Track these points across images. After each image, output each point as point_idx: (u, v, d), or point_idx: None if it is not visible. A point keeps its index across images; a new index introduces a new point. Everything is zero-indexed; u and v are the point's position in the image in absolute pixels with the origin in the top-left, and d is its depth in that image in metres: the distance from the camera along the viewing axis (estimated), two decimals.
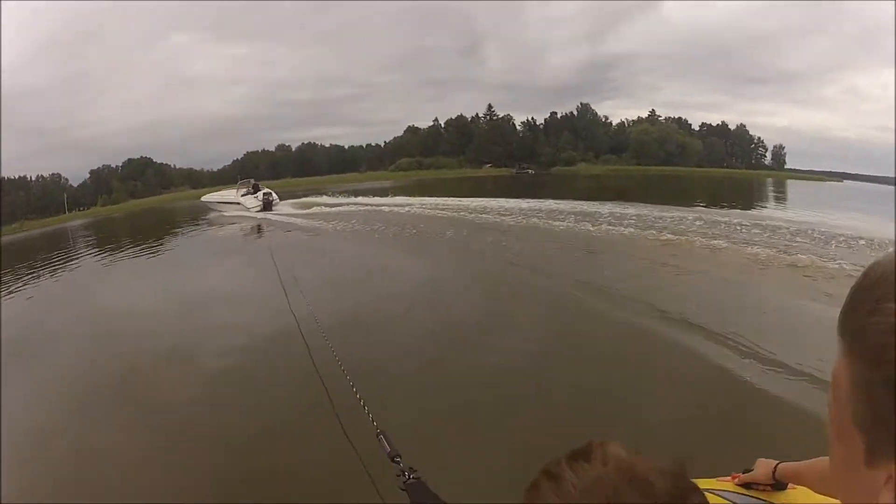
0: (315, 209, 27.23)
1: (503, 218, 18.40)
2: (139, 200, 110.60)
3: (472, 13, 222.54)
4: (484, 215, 19.00)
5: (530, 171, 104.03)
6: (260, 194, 31.42)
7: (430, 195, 29.21)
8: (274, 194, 31.97)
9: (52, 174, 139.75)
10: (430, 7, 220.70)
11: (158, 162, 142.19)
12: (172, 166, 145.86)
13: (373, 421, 1.92)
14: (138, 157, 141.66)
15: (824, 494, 1.11)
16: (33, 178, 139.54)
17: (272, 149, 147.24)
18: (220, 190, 39.17)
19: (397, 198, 28.84)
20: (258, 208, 29.66)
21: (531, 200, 22.30)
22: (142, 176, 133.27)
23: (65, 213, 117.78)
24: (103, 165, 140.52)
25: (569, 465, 0.53)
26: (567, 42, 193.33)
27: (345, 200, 32.20)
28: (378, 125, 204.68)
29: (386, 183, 73.97)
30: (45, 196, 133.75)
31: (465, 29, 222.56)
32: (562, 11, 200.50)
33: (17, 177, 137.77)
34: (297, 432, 4.91)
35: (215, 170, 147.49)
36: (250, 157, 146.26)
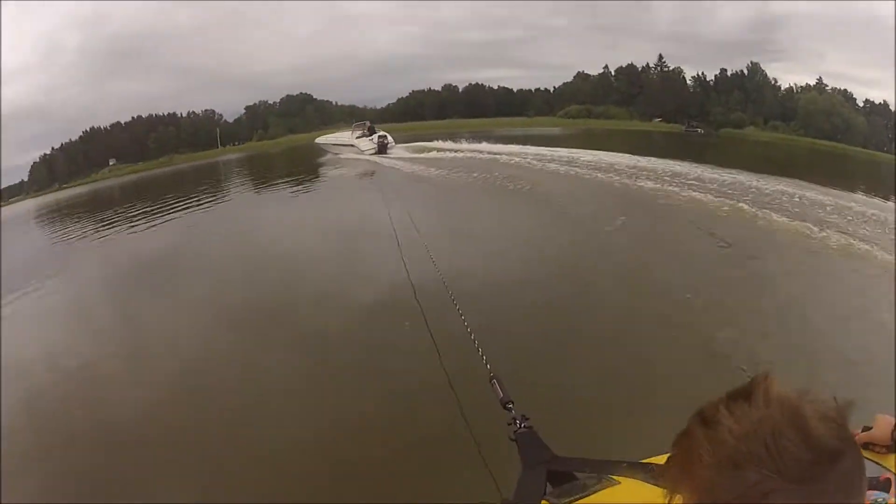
0: (430, 154, 26.73)
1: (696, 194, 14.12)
2: (297, 136, 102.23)
3: None
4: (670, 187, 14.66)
5: (700, 130, 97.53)
6: (375, 137, 31.29)
7: (597, 147, 24.06)
8: (389, 137, 31.74)
9: (206, 110, 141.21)
10: None
11: (319, 99, 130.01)
12: (334, 103, 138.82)
13: (487, 364, 1.89)
14: (297, 93, 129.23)
15: None
16: (184, 115, 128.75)
17: (439, 88, 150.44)
18: (335, 133, 38.54)
19: (557, 150, 23.31)
20: (372, 151, 29.70)
21: (713, 169, 18.24)
22: (301, 112, 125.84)
23: (217, 147, 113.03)
24: (260, 101, 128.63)
25: (727, 408, 0.50)
26: None
27: (468, 147, 29.07)
28: (547, 69, 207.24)
29: (555, 130, 67.37)
30: (196, 132, 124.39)
31: None
32: None
33: (165, 114, 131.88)
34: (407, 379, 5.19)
35: (378, 108, 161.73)
36: (415, 95, 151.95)
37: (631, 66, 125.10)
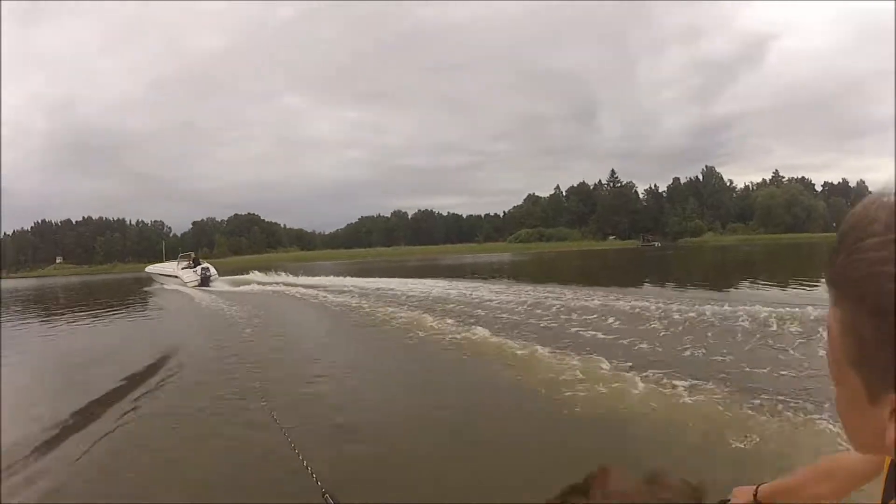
0: (247, 287, 28.16)
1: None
2: (241, 257, 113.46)
3: (585, 78, 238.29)
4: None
5: (656, 243, 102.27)
6: (199, 269, 33.92)
7: (555, 281, 21.21)
8: (212, 269, 34.48)
9: (155, 221, 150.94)
10: (544, 73, 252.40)
11: (267, 220, 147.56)
12: (282, 226, 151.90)
13: (317, 481, 1.90)
14: (245, 213, 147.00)
15: (817, 501, 1.16)
16: (133, 223, 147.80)
17: (388, 214, 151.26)
18: (163, 263, 42.11)
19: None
20: (195, 283, 31.96)
21: (692, 293, 16.14)
22: (248, 232, 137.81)
23: (162, 261, 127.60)
24: (208, 218, 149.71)
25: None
26: (677, 103, 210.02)
27: (284, 280, 31.50)
28: (495, 195, 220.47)
29: (505, 256, 72.56)
30: (142, 241, 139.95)
31: (579, 95, 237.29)
32: (670, 70, 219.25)
33: (114, 218, 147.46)
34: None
35: (326, 233, 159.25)
36: (364, 222, 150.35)
37: (583, 185, 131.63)
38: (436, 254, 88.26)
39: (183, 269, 34.81)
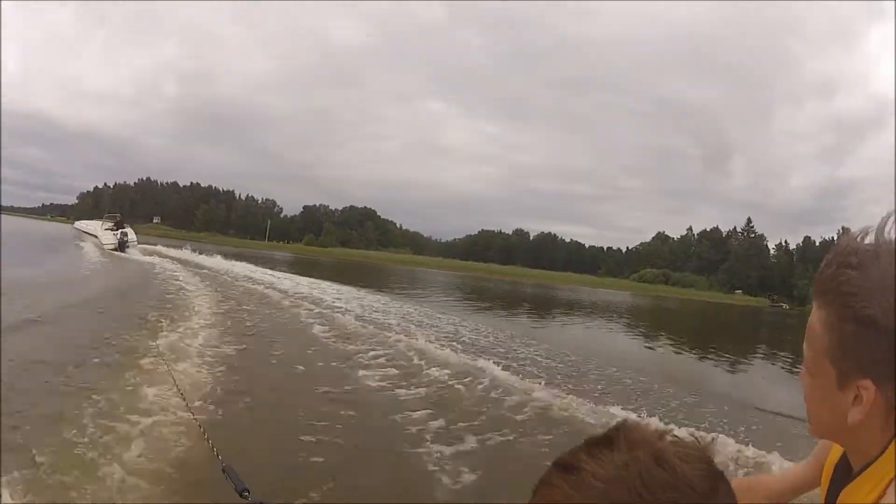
0: (153, 258, 29.11)
1: None
2: (349, 250, 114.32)
3: (720, 118, 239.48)
4: None
5: (784, 305, 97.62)
6: (119, 232, 35.57)
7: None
8: (131, 236, 36.05)
9: (266, 199, 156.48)
10: (680, 109, 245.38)
11: (383, 217, 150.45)
12: (398, 225, 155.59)
13: (218, 455, 1.94)
14: (362, 206, 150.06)
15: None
16: (243, 197, 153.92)
17: (509, 232, 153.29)
18: (92, 221, 44.27)
19: None
20: (112, 246, 33.83)
21: None
22: (360, 226, 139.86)
23: (265, 240, 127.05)
24: (321, 205, 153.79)
25: (588, 454, 0.53)
26: (807, 160, 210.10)
27: (193, 258, 32.33)
28: (617, 230, 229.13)
29: (623, 294, 70.01)
30: (247, 216, 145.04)
31: (712, 136, 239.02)
32: (805, 124, 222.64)
33: (223, 189, 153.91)
34: None
35: (443, 241, 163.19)
36: (484, 235, 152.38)
37: (715, 230, 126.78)
38: (553, 280, 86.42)
39: (105, 230, 36.96)
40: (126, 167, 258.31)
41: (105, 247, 33.99)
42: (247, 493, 1.41)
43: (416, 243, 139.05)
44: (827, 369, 0.80)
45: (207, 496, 3.92)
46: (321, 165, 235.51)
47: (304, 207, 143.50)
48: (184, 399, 3.79)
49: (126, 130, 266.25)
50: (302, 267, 43.61)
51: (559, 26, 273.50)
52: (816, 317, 0.81)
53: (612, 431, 0.54)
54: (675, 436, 0.54)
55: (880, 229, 0.77)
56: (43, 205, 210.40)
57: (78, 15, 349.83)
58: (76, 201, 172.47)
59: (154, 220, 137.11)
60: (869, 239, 0.77)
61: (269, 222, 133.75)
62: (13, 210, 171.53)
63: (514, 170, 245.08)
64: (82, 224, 43.63)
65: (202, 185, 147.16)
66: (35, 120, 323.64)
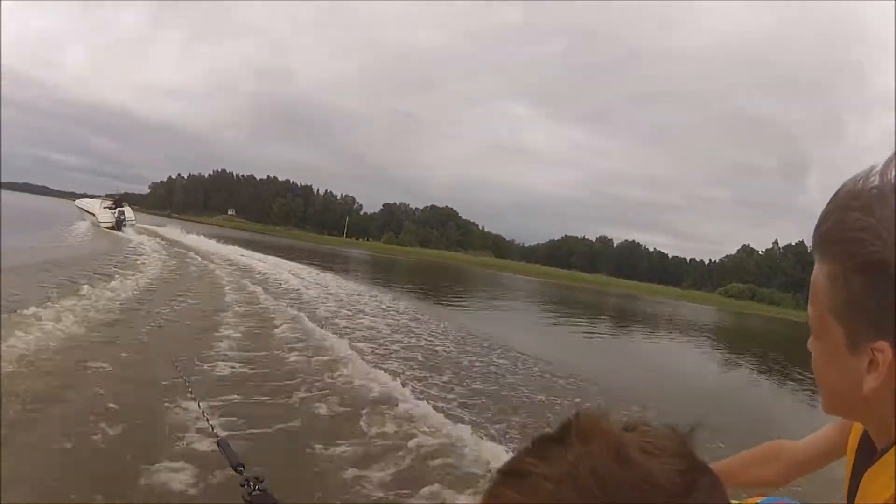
0: (146, 237, 31.01)
1: None
2: (429, 250, 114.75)
3: (796, 132, 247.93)
4: None
5: None
6: (116, 211, 37.10)
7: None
8: (128, 215, 37.42)
9: (345, 195, 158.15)
10: (758, 122, 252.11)
11: (465, 218, 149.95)
12: (479, 227, 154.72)
13: (212, 428, 1.99)
14: (444, 206, 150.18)
15: (760, 483, 1.23)
16: (321, 192, 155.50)
17: (593, 239, 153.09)
18: (92, 200, 44.80)
19: None
20: (108, 225, 35.02)
21: None
22: (441, 226, 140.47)
23: (343, 236, 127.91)
24: (401, 203, 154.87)
25: (536, 455, 0.47)
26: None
27: (188, 239, 33.78)
28: (698, 241, 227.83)
29: (708, 309, 66.53)
30: (325, 211, 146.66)
31: (790, 149, 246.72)
32: (875, 137, 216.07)
33: (301, 184, 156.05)
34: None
35: (525, 245, 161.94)
36: (567, 241, 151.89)
37: (801, 245, 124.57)
38: (638, 292, 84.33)
39: (104, 208, 38.22)
40: (201, 160, 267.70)
41: (101, 225, 35.05)
42: (241, 468, 1.43)
43: (498, 246, 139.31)
44: (834, 330, 0.71)
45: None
46: (401, 165, 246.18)
47: (384, 205, 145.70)
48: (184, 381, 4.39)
49: (202, 125, 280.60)
50: (375, 268, 43.02)
51: (635, 33, 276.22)
52: (819, 271, 0.73)
53: (563, 426, 0.47)
54: (648, 426, 0.47)
55: (884, 171, 0.69)
56: (115, 192, 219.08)
57: (151, 14, 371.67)
58: (148, 191, 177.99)
59: (228, 212, 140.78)
60: (872, 181, 0.68)
61: (347, 218, 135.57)
62: (88, 197, 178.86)
63: (596, 175, 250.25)
64: (82, 202, 44.56)
65: (279, 179, 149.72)
66: (105, 111, 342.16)
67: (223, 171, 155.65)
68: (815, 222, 0.73)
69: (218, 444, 1.56)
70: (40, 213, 50.82)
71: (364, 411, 5.99)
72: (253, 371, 7.13)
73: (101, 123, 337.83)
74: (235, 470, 1.40)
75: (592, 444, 0.45)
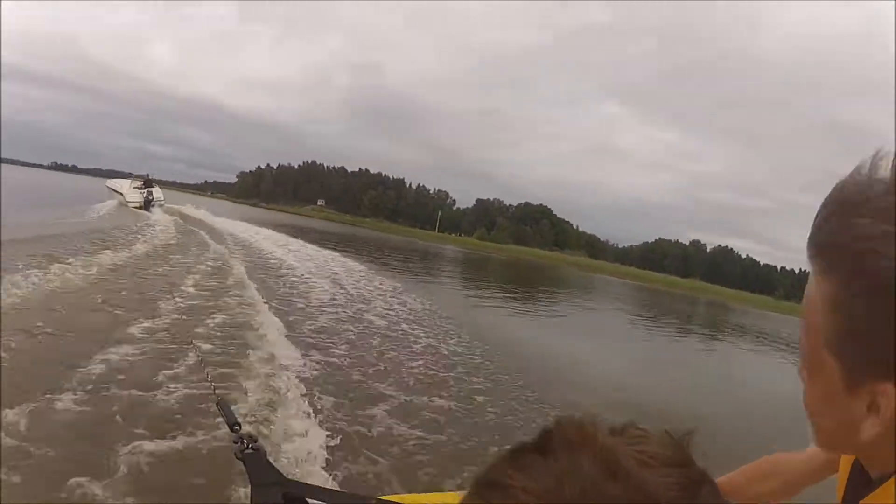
0: (174, 217, 30.56)
1: None
2: (523, 248, 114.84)
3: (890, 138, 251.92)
4: None
5: None
6: (144, 191, 36.97)
7: None
8: (155, 195, 37.33)
9: (438, 190, 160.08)
10: (849, 127, 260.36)
11: (559, 217, 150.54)
12: (574, 226, 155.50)
13: (214, 389, 2.21)
14: (538, 203, 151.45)
15: (762, 499, 1.15)
16: (414, 186, 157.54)
17: (686, 242, 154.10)
18: (122, 180, 43.89)
19: None
20: (136, 204, 34.95)
21: None
22: (536, 224, 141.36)
23: (434, 230, 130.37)
24: (494, 199, 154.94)
25: (515, 466, 0.43)
26: None
27: (217, 221, 34.19)
28: (788, 250, 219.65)
29: (791, 318, 63.61)
30: (417, 205, 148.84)
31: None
32: None
33: (393, 177, 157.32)
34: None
35: (619, 246, 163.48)
36: (661, 244, 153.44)
37: None
38: (729, 299, 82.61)
39: (133, 188, 38.07)
40: (292, 151, 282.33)
41: (129, 204, 34.93)
42: (237, 427, 1.39)
43: (593, 247, 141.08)
44: (829, 365, 0.61)
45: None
46: (495, 162, 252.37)
47: (478, 200, 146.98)
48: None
49: (293, 117, 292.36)
50: (467, 267, 41.77)
51: (724, 34, 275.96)
52: (816, 289, 0.61)
53: (544, 435, 0.43)
54: (640, 429, 0.43)
55: None
56: (206, 181, 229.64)
57: (239, 9, 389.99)
58: (235, 180, 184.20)
59: (318, 203, 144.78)
60: (881, 178, 0.56)
61: (440, 212, 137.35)
62: (174, 185, 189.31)
63: (689, 178, 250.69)
64: (113, 182, 44.05)
65: (371, 172, 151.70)
66: (197, 104, 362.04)
67: (314, 162, 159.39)
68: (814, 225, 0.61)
69: (217, 403, 1.61)
70: (77, 192, 50.49)
71: None
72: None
73: (193, 116, 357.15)
74: (231, 428, 1.43)
75: (579, 454, 0.40)
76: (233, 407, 1.50)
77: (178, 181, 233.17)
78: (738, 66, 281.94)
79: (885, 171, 0.56)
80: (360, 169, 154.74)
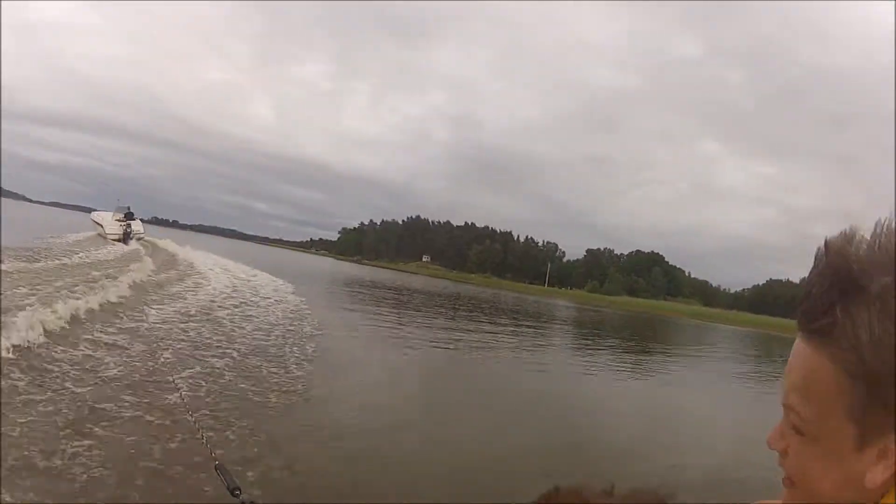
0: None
1: None
2: (638, 300, 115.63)
3: None
4: None
5: None
6: (125, 223, 38.47)
7: None
8: (135, 227, 39.26)
9: (547, 242, 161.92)
10: None
11: (671, 263, 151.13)
12: (686, 273, 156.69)
13: (211, 453, 2.07)
14: (648, 251, 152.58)
15: None
16: (521, 239, 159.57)
17: (796, 281, 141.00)
18: (106, 213, 43.86)
19: None
20: (116, 237, 35.98)
21: None
22: (647, 273, 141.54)
23: (544, 285, 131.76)
24: (605, 248, 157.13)
25: None
26: None
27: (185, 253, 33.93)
28: None
29: None
30: (526, 258, 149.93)
31: None
32: None
33: (500, 230, 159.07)
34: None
35: (731, 291, 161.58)
36: (771, 285, 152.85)
37: None
38: None
39: (114, 220, 39.43)
40: (397, 207, 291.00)
41: (109, 237, 36.04)
42: (238, 492, 1.45)
43: (705, 293, 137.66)
44: (842, 431, 0.64)
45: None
46: (601, 212, 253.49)
47: (588, 251, 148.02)
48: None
49: (397, 174, 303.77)
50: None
51: (814, 52, 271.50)
52: (818, 362, 0.64)
53: (544, 499, 0.46)
54: (629, 491, 0.48)
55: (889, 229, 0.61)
56: (311, 239, 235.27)
57: (338, 68, 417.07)
58: (338, 236, 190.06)
59: (423, 258, 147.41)
60: (881, 244, 0.61)
61: (548, 266, 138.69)
62: (282, 243, 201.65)
63: (792, 213, 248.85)
64: (96, 215, 45.01)
65: (477, 226, 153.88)
66: (299, 162, 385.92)
67: (418, 217, 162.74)
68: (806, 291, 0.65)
69: (216, 467, 1.64)
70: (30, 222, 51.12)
71: None
72: None
73: (295, 173, 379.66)
74: (232, 493, 1.47)
75: None
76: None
77: (284, 238, 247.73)
78: (832, 85, 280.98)
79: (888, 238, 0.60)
80: (465, 223, 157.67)
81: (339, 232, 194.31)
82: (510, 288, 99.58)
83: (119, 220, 39.81)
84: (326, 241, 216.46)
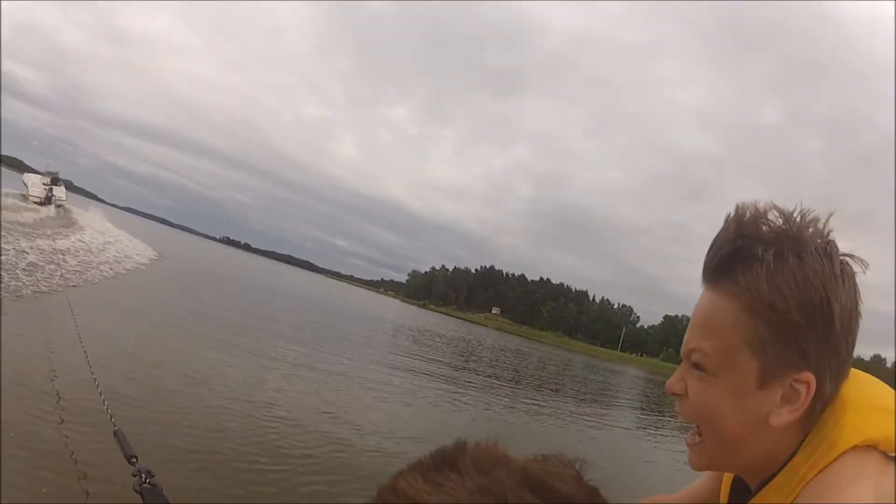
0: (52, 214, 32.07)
1: None
2: None
3: None
4: None
5: None
6: (49, 188, 40.46)
7: None
8: (58, 193, 41.15)
9: (623, 305, 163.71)
10: None
11: None
12: None
13: (111, 418, 2.13)
14: None
15: None
16: (597, 299, 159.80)
17: (867, 359, 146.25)
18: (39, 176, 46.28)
19: None
20: (37, 199, 37.70)
21: None
22: None
23: (617, 349, 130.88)
24: (683, 315, 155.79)
25: (425, 481, 0.45)
26: None
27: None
28: None
29: None
30: (599, 320, 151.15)
31: None
32: None
33: (575, 289, 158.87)
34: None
35: None
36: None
37: None
38: None
39: (40, 184, 41.61)
40: (472, 257, 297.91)
41: (31, 198, 37.38)
42: (134, 460, 1.48)
43: None
44: (745, 365, 0.72)
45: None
46: (678, 280, 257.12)
47: (665, 317, 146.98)
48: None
49: (476, 225, 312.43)
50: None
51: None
52: (719, 302, 0.76)
53: (448, 455, 0.46)
54: (541, 454, 0.50)
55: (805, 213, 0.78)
56: (382, 279, 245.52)
57: (427, 115, 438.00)
58: (407, 278, 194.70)
59: (493, 310, 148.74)
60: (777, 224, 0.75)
61: (623, 330, 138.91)
62: (353, 280, 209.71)
63: (864, 292, 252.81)
64: (27, 177, 47.51)
65: (552, 282, 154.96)
66: (382, 204, 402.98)
67: (492, 267, 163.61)
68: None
69: (115, 434, 1.68)
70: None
71: None
72: None
73: (377, 214, 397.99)
74: (129, 461, 1.50)
75: (494, 471, 0.43)
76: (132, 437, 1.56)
77: (356, 276, 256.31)
78: None
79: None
80: (540, 278, 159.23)
81: (409, 274, 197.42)
82: (582, 350, 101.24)
83: (45, 184, 42.38)
84: (396, 282, 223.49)
